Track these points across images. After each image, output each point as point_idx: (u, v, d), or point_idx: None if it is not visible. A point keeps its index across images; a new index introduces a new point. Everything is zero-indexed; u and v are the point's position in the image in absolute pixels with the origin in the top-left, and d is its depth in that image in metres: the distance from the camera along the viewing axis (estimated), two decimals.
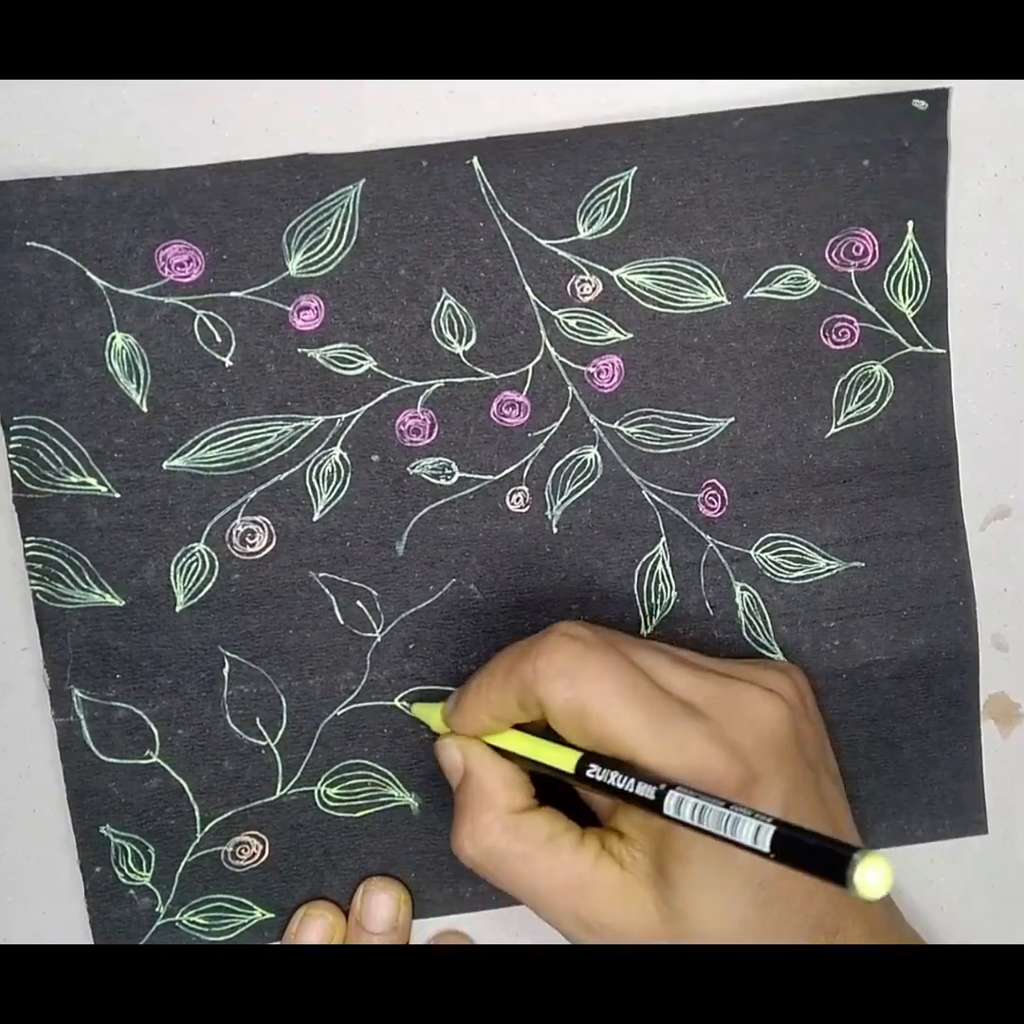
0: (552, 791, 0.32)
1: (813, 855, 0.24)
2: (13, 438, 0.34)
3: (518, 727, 0.32)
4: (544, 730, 0.31)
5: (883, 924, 0.32)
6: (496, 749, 0.32)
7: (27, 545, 0.34)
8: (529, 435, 0.36)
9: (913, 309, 0.36)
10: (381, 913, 0.36)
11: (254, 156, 0.34)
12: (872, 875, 0.23)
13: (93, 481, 0.34)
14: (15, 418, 0.33)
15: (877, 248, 0.36)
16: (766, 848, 0.25)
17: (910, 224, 0.36)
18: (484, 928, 0.38)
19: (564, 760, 0.30)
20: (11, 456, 0.34)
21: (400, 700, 0.36)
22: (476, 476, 0.36)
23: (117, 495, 0.34)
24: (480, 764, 0.32)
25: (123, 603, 0.34)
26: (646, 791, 0.28)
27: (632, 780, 0.28)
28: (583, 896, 0.30)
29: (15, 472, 0.34)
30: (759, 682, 0.32)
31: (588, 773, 0.29)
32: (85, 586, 0.34)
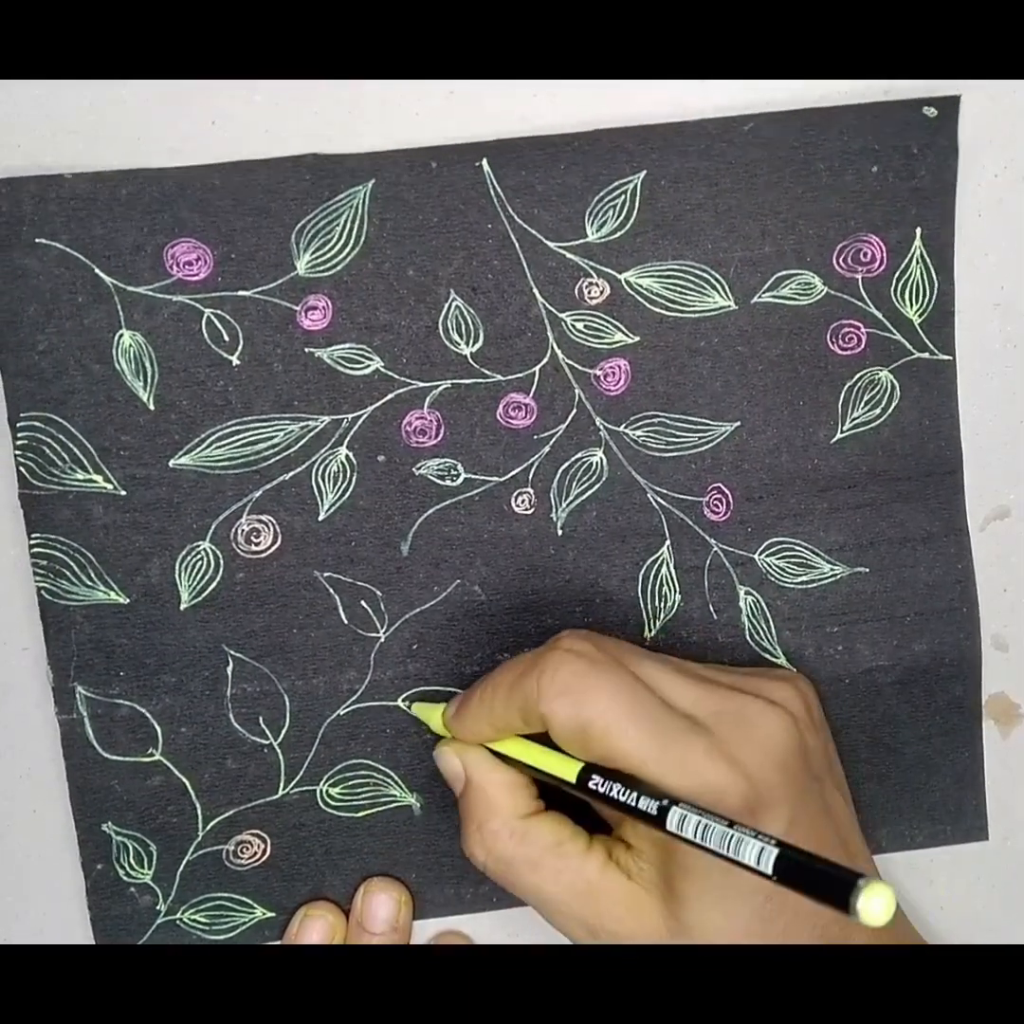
0: (559, 794, 0.32)
1: (816, 879, 0.24)
2: (19, 434, 0.34)
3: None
4: (545, 736, 0.31)
5: (887, 932, 0.32)
6: (496, 754, 0.32)
7: (32, 542, 0.34)
8: (535, 437, 0.36)
9: (920, 316, 0.36)
10: (381, 913, 0.36)
11: (254, 157, 0.34)
12: (875, 903, 0.23)
13: (99, 478, 0.34)
14: (22, 414, 0.33)
15: (885, 254, 0.36)
16: (768, 870, 0.25)
17: (918, 231, 0.36)
18: (484, 928, 0.38)
19: (565, 769, 0.30)
20: (17, 452, 0.34)
21: (402, 699, 0.36)
22: (482, 477, 0.36)
23: (123, 493, 0.34)
24: (481, 771, 0.32)
25: (127, 601, 0.34)
26: (649, 806, 0.28)
27: (634, 794, 0.28)
28: (590, 902, 0.30)
29: (21, 468, 0.34)
30: (764, 694, 0.32)
31: (590, 784, 0.29)
32: (90, 583, 0.34)
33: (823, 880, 0.24)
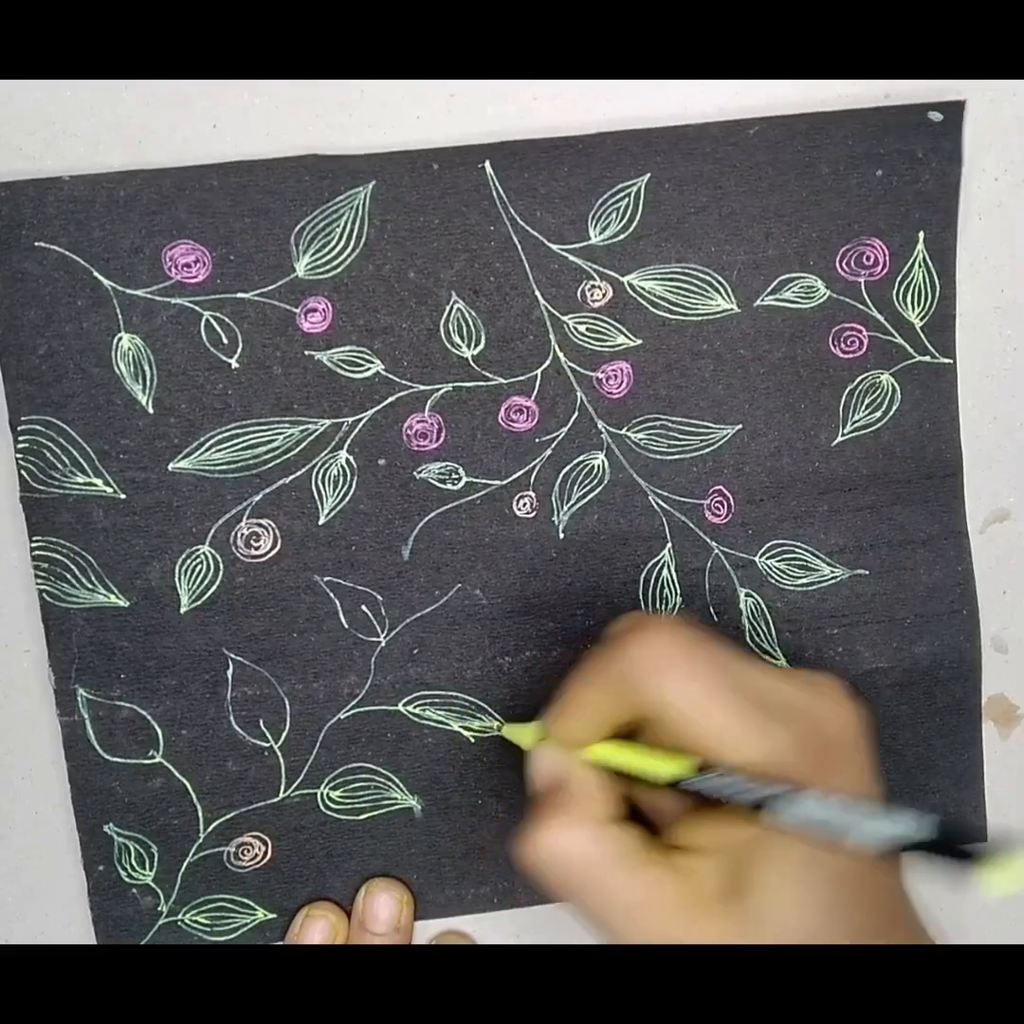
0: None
1: (956, 851, 0.24)
2: (20, 438, 0.33)
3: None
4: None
5: (921, 929, 0.32)
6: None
7: (33, 544, 0.34)
8: (537, 440, 0.36)
9: (921, 319, 0.36)
10: (383, 913, 0.36)
11: (256, 157, 0.34)
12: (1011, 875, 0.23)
13: (99, 482, 0.34)
14: (23, 418, 0.33)
15: (888, 258, 0.36)
16: (930, 837, 0.24)
17: (921, 234, 0.36)
18: (486, 929, 0.38)
19: (671, 766, 0.30)
20: (19, 456, 0.33)
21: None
22: (483, 481, 0.35)
23: (123, 496, 0.34)
24: (577, 770, 0.31)
25: (128, 604, 0.34)
26: (772, 794, 0.27)
27: (751, 785, 0.28)
28: (654, 915, 0.29)
29: (22, 472, 0.33)
30: (828, 688, 0.31)
31: (705, 776, 0.29)
32: (90, 586, 0.34)
33: (960, 852, 0.24)
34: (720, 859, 0.30)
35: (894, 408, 0.37)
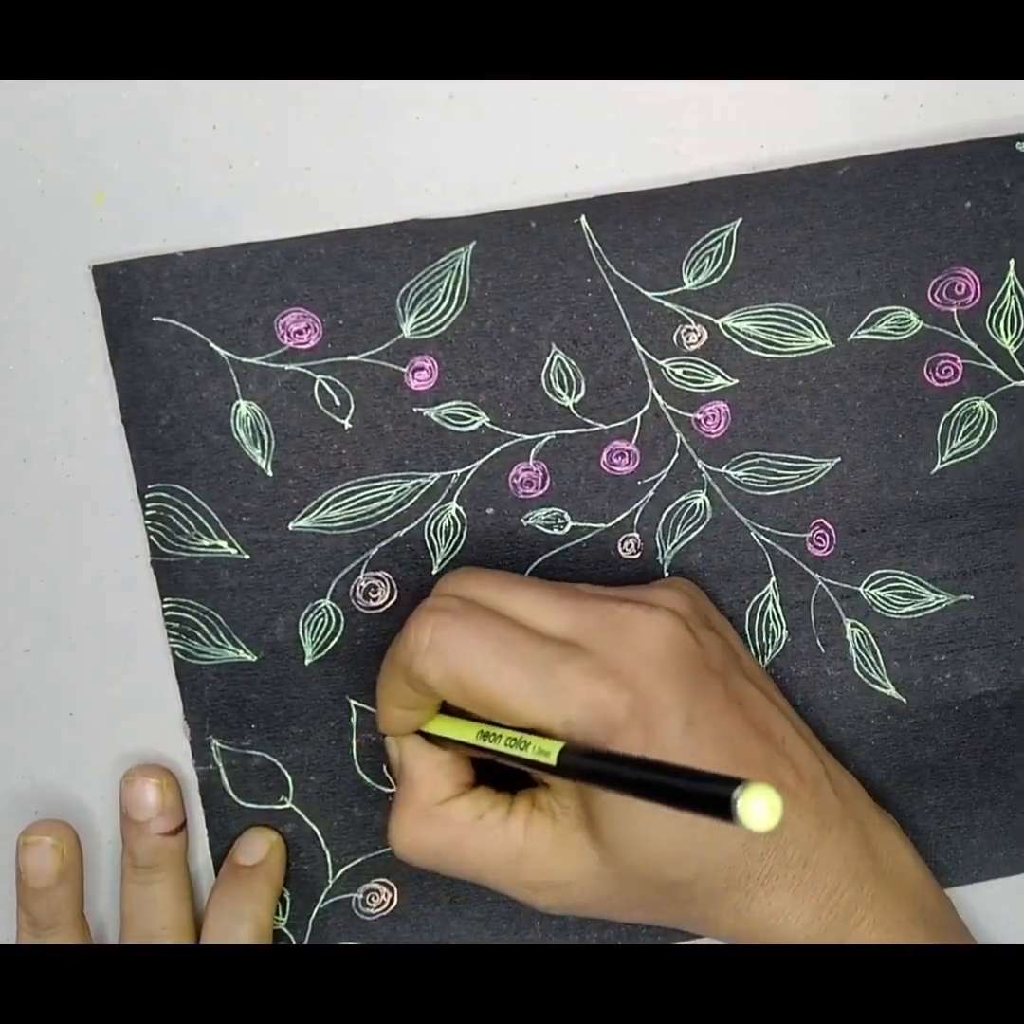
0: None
1: (696, 796, 0.23)
2: (148, 505, 0.35)
3: (449, 711, 0.32)
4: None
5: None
6: (432, 738, 0.33)
7: (165, 606, 0.35)
8: (639, 482, 0.36)
9: (1015, 345, 0.37)
10: (149, 799, 0.35)
11: (258, 167, 0.34)
12: (755, 807, 0.21)
13: (224, 544, 0.35)
14: (149, 486, 0.35)
15: (979, 287, 0.36)
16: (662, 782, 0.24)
17: (1011, 262, 0.36)
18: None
19: (465, 732, 0.31)
20: (147, 522, 0.35)
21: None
22: (588, 525, 0.36)
23: (247, 556, 0.35)
24: (408, 757, 0.32)
25: (256, 658, 0.36)
26: (536, 752, 0.28)
27: (521, 742, 0.29)
28: (522, 862, 0.31)
29: (151, 537, 0.35)
30: (645, 600, 0.31)
31: (486, 743, 0.30)
32: (219, 643, 0.36)
33: (703, 792, 0.22)
34: (572, 790, 0.30)
35: (991, 434, 0.37)
